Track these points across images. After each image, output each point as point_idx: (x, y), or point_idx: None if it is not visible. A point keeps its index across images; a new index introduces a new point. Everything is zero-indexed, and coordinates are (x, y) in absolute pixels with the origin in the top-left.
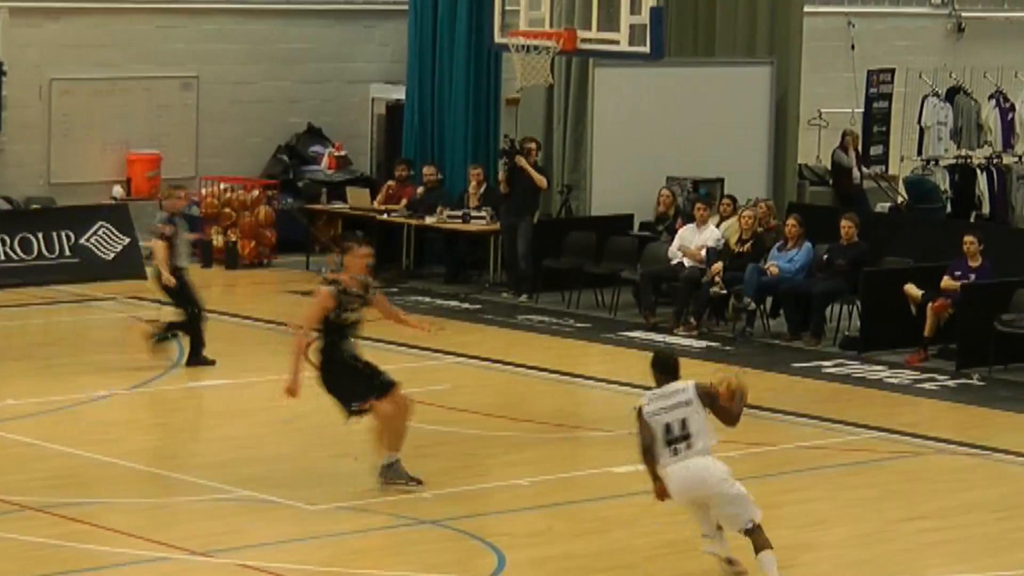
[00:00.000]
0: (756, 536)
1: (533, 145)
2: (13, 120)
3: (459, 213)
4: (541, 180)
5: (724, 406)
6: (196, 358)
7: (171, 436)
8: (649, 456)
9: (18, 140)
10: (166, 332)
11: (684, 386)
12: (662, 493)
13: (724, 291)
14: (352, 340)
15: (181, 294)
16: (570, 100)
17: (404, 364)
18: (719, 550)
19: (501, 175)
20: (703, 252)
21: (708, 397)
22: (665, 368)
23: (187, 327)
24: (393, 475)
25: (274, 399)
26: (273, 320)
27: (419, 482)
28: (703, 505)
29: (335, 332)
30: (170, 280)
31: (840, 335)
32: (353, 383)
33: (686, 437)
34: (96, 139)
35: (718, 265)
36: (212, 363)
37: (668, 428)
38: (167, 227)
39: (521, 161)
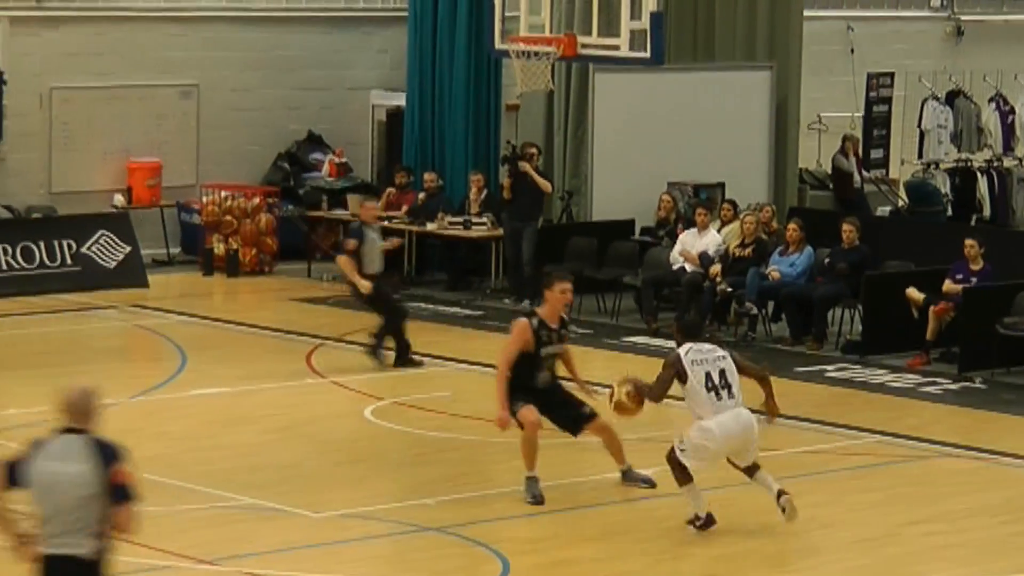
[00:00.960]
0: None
1: (534, 150)
2: (14, 129)
3: (460, 220)
4: (546, 185)
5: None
6: (403, 359)
7: (174, 444)
8: (654, 393)
9: (19, 149)
10: (377, 343)
11: (718, 347)
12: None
13: (730, 289)
14: (547, 372)
15: (377, 300)
16: (570, 106)
17: (407, 371)
18: (700, 506)
19: (505, 181)
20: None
21: (738, 363)
22: (696, 332)
23: (390, 331)
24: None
25: (279, 407)
26: (271, 327)
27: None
28: (739, 451)
29: (529, 364)
30: (367, 287)
31: (842, 339)
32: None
33: (727, 386)
34: (97, 147)
35: (716, 267)
36: (420, 364)
37: (708, 376)
38: (351, 241)
39: (525, 166)
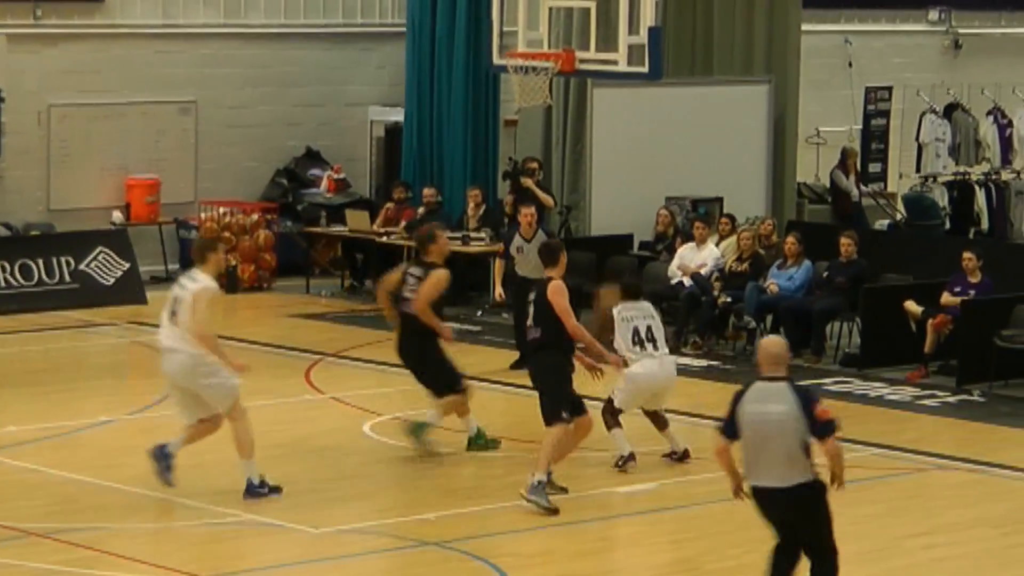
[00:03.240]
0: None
1: (535, 165)
2: (12, 146)
3: (458, 235)
4: (548, 200)
5: None
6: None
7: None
8: (586, 333)
9: (17, 166)
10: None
11: (652, 307)
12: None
13: (729, 299)
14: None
15: (514, 306)
16: (569, 121)
17: (405, 387)
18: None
19: (507, 197)
20: (702, 271)
21: None
22: (636, 292)
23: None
24: (538, 494)
25: (278, 423)
26: (270, 343)
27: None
28: (660, 393)
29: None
30: (501, 296)
31: (840, 352)
32: (566, 391)
33: (653, 340)
34: (95, 164)
35: (716, 284)
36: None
37: (636, 331)
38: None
39: (527, 182)
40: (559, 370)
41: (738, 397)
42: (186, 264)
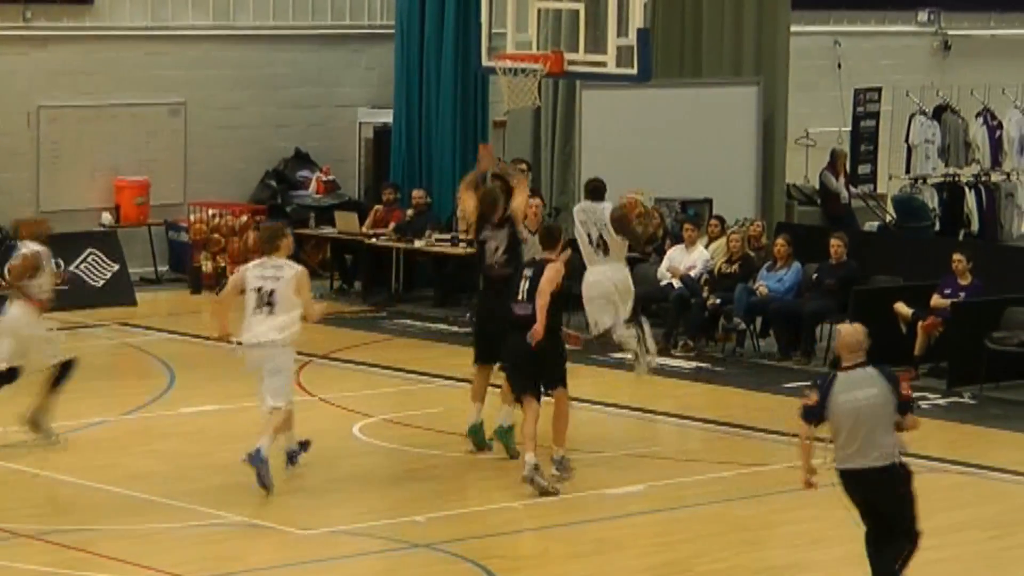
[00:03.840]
0: None
1: (524, 166)
2: (1, 148)
3: (448, 236)
4: (536, 200)
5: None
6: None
7: (163, 462)
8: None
9: (6, 168)
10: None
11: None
12: None
13: (719, 301)
14: None
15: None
16: (557, 122)
17: (397, 387)
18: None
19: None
20: (691, 272)
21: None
22: (598, 195)
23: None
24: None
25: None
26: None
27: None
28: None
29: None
30: None
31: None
32: (561, 368)
33: (603, 245)
34: (84, 166)
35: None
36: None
37: (590, 236)
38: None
39: (503, 167)
40: (560, 346)
41: (827, 388)
42: (176, 266)
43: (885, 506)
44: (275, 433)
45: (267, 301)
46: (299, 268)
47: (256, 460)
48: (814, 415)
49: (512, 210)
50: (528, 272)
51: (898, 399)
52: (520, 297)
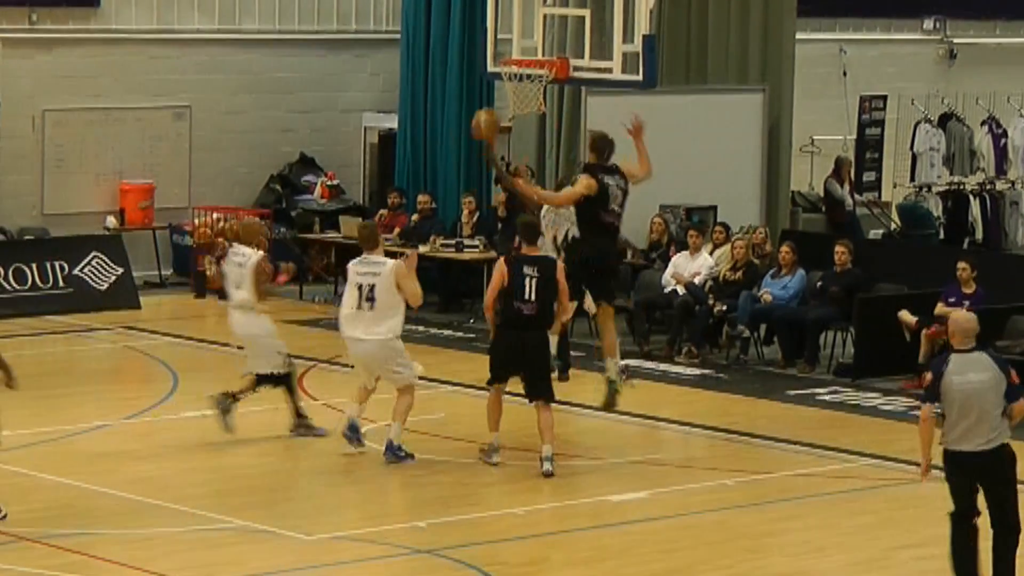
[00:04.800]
0: None
1: (528, 170)
2: (7, 151)
3: (452, 242)
4: (530, 193)
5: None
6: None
7: (166, 466)
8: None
9: (11, 171)
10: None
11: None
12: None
13: (723, 308)
14: None
15: None
16: (563, 128)
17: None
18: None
19: (500, 197)
20: (696, 279)
21: None
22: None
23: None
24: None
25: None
26: None
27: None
28: None
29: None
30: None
31: (834, 362)
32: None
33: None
34: (89, 169)
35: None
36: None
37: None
38: None
39: (517, 181)
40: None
41: (940, 369)
42: (181, 268)
43: (992, 490)
44: (403, 419)
45: (368, 297)
46: (394, 261)
47: (393, 452)
48: (929, 396)
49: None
50: (530, 271)
51: (1009, 385)
52: (528, 297)
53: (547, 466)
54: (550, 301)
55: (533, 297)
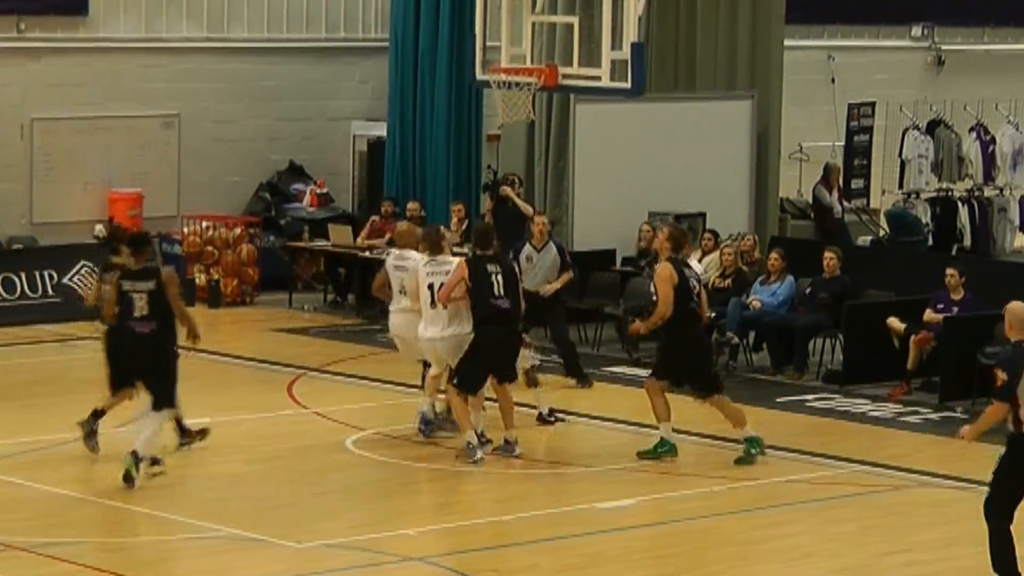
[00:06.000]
0: None
1: (515, 178)
2: None
3: None
4: (527, 208)
5: None
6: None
7: (157, 474)
8: None
9: (0, 180)
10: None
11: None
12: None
13: (712, 314)
14: None
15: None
16: (552, 136)
17: (388, 401)
18: None
19: (488, 205)
20: None
21: None
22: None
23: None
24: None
25: (261, 437)
26: (253, 357)
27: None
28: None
29: None
30: None
31: (823, 369)
32: None
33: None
34: (78, 178)
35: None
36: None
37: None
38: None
39: (507, 191)
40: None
41: (1017, 363)
42: None
43: None
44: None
45: (431, 299)
46: (458, 260)
47: (477, 451)
48: (1006, 393)
49: None
50: (493, 268)
51: None
52: (499, 292)
53: (518, 449)
54: (517, 295)
55: (504, 292)
